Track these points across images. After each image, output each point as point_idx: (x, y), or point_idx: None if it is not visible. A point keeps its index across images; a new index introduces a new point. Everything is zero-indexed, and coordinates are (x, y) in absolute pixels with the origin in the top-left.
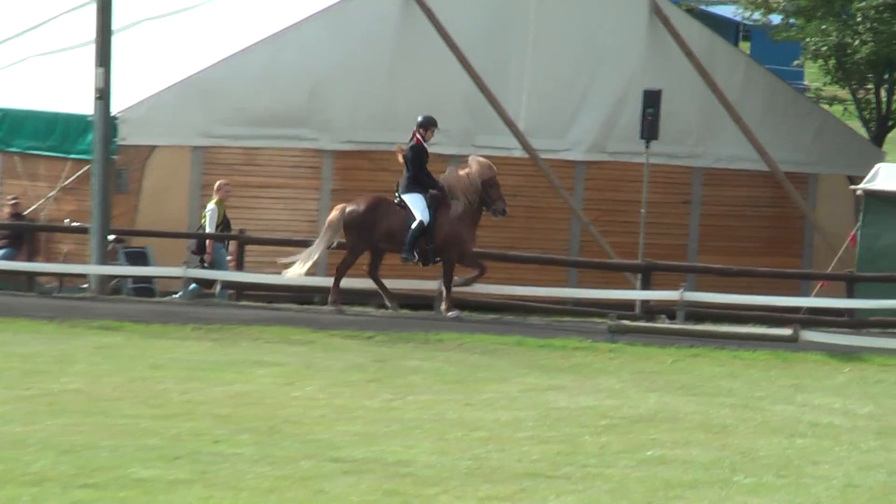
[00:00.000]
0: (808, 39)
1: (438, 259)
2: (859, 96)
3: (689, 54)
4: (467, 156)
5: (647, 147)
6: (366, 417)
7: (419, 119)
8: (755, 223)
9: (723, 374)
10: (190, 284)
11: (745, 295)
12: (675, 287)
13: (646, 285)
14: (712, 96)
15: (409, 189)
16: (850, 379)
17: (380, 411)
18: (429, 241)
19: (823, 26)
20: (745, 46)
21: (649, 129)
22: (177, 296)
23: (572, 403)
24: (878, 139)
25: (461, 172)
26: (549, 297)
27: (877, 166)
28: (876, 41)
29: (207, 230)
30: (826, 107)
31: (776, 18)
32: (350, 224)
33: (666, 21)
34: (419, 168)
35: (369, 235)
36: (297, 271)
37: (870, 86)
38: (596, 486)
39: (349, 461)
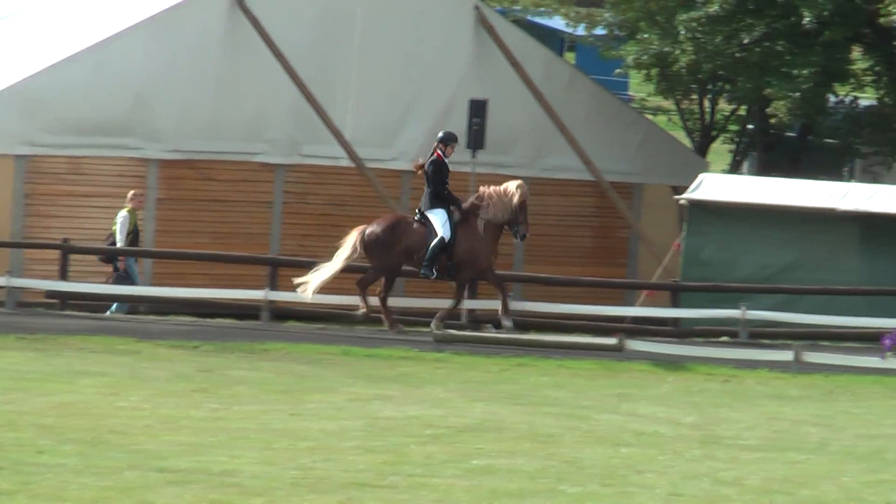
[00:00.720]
0: (628, 49)
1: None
2: (683, 107)
3: (514, 64)
4: (295, 165)
5: (474, 156)
6: (191, 427)
7: (440, 135)
8: (581, 233)
9: (548, 384)
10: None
11: (570, 304)
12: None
13: (472, 294)
14: (538, 106)
15: (432, 205)
16: (675, 388)
17: (205, 421)
18: (449, 258)
19: (646, 35)
20: (570, 57)
21: (475, 139)
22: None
23: (398, 413)
24: (701, 149)
25: (498, 189)
26: (376, 307)
27: (700, 176)
28: (697, 52)
29: (118, 237)
30: (651, 117)
31: (602, 31)
32: (370, 246)
33: (492, 31)
34: (440, 184)
35: (389, 254)
36: (314, 287)
37: (693, 96)
38: (422, 496)
39: (174, 471)
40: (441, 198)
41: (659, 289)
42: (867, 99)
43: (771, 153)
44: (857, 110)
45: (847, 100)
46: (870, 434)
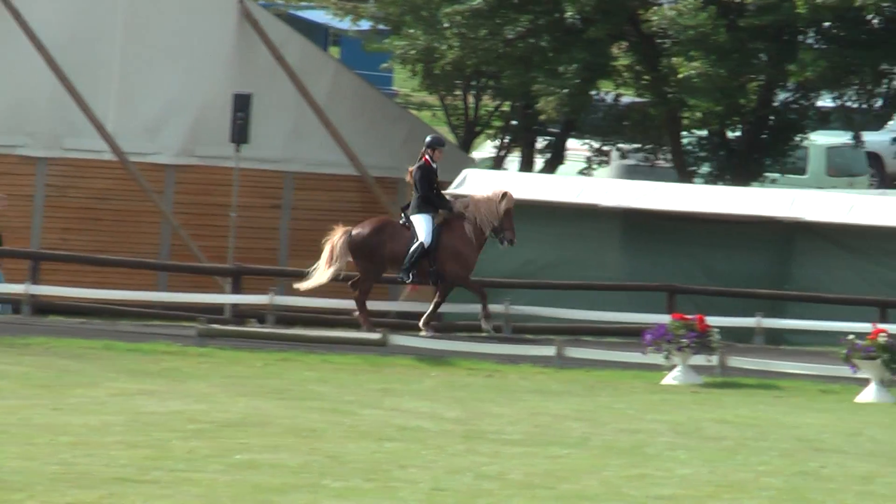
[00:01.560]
0: (395, 43)
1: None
2: (447, 102)
3: (278, 59)
4: (57, 158)
5: (238, 151)
6: None
7: (427, 139)
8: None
9: (313, 379)
10: None
11: (335, 299)
12: (265, 291)
13: (236, 289)
14: (302, 101)
15: (419, 209)
16: (439, 383)
17: None
18: (431, 263)
19: (411, 30)
20: (335, 51)
21: (239, 133)
22: None
23: (161, 408)
24: (465, 145)
25: (485, 196)
26: (139, 300)
27: (464, 172)
28: (463, 47)
29: None
30: (415, 112)
31: (367, 24)
32: (356, 249)
33: (255, 25)
34: (428, 188)
35: (376, 258)
36: (308, 285)
37: (458, 92)
38: (184, 491)
39: None
40: (429, 202)
41: (423, 283)
42: (629, 96)
43: (534, 149)
44: (619, 107)
45: (609, 96)
46: (631, 429)
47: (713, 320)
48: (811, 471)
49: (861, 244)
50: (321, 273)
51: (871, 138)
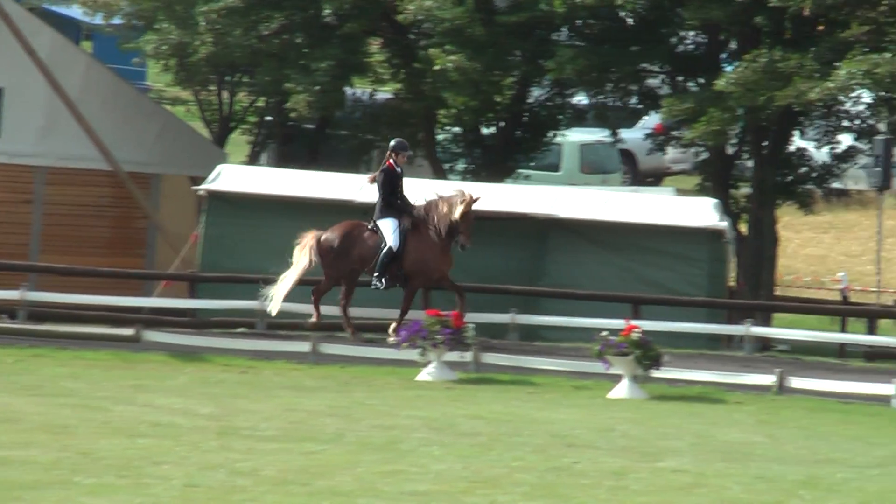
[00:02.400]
0: (147, 38)
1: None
2: (201, 98)
3: (29, 52)
4: None
5: None
6: None
7: (391, 143)
8: (99, 223)
9: (65, 375)
10: None
11: (88, 295)
12: (16, 286)
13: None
14: (54, 95)
15: (382, 214)
16: (192, 379)
17: None
18: (399, 267)
19: (164, 25)
20: (88, 46)
21: None
22: None
23: None
24: (220, 140)
25: (442, 200)
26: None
27: (219, 167)
28: (217, 43)
29: None
30: (169, 107)
31: (119, 20)
32: (324, 252)
33: (6, 18)
34: (390, 192)
35: (343, 263)
36: (278, 301)
37: (212, 87)
38: None
39: None
40: (391, 206)
41: (177, 279)
42: (386, 92)
43: (289, 145)
44: (374, 104)
45: (364, 93)
46: (385, 425)
47: (468, 317)
48: (564, 466)
49: (615, 241)
50: (288, 277)
51: (625, 136)
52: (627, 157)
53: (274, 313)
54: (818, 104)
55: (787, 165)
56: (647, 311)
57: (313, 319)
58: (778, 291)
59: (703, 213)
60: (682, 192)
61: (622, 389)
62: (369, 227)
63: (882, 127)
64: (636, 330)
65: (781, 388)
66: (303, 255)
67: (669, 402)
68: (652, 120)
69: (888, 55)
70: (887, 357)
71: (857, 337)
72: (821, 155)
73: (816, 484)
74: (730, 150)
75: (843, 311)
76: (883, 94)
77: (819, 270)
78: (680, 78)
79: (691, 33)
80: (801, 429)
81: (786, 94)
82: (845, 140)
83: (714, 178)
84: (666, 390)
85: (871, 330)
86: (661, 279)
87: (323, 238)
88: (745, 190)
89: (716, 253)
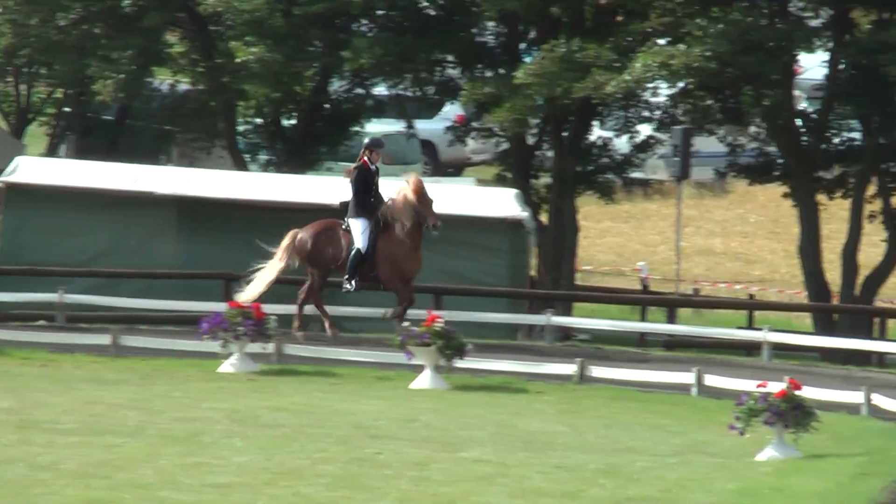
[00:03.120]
0: None
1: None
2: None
3: None
4: None
5: None
6: None
7: (365, 140)
8: None
9: None
10: None
11: None
12: None
13: None
14: None
15: (354, 213)
16: None
17: None
18: (372, 268)
19: None
20: None
21: None
22: None
23: None
24: (18, 132)
25: (399, 194)
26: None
27: (17, 159)
28: (15, 34)
29: None
30: None
31: None
32: (300, 251)
33: None
34: (362, 191)
35: (320, 261)
36: (249, 294)
37: (10, 79)
38: None
39: None
40: (364, 205)
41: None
42: (187, 83)
43: (88, 137)
44: (174, 95)
45: (164, 85)
46: (187, 417)
47: (270, 308)
48: (367, 457)
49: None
50: (266, 273)
51: (425, 126)
52: (428, 147)
53: (242, 299)
54: (616, 95)
55: (587, 155)
56: (449, 302)
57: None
58: (578, 281)
59: (503, 203)
60: (483, 182)
61: (424, 380)
62: (343, 226)
63: (681, 117)
64: (438, 320)
65: (582, 378)
66: (280, 255)
67: (471, 392)
68: (453, 111)
69: (683, 47)
70: (687, 346)
71: (657, 326)
72: (621, 145)
73: (617, 473)
74: (530, 141)
75: (643, 300)
76: (681, 84)
77: (619, 260)
78: (479, 69)
79: (490, 24)
80: (602, 418)
81: (583, 85)
82: (645, 130)
83: (515, 168)
84: (468, 380)
85: (671, 319)
86: (462, 270)
87: (299, 236)
88: (545, 180)
89: (517, 243)
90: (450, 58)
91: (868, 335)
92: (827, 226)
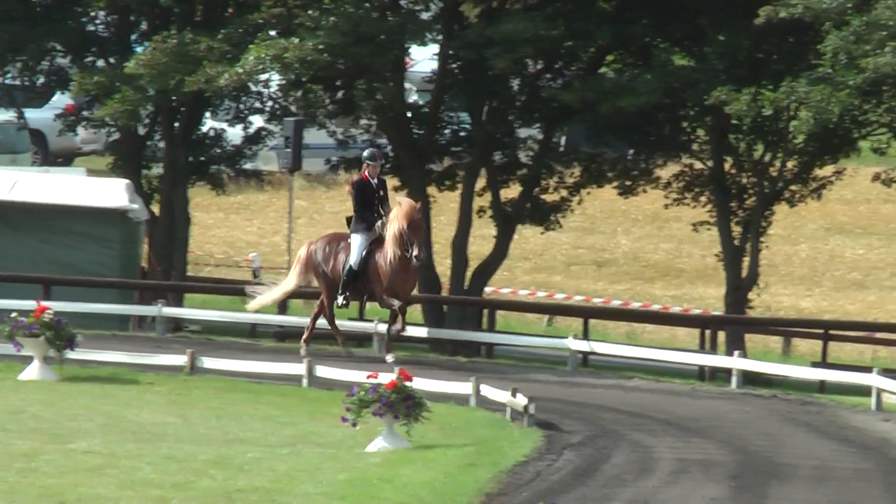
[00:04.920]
0: None
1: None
2: None
3: None
4: None
5: None
6: None
7: (363, 153)
8: None
9: None
10: None
11: None
12: None
13: None
14: None
15: (354, 228)
16: None
17: None
18: (365, 285)
19: None
20: None
21: None
22: None
23: None
24: None
25: (392, 217)
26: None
27: None
28: None
29: None
30: None
31: None
32: (310, 263)
33: None
34: (360, 206)
35: (323, 275)
36: (262, 301)
37: None
38: None
39: None
40: (363, 221)
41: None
42: None
43: None
44: None
45: None
46: None
47: None
48: None
49: (24, 221)
50: (282, 285)
51: (34, 116)
52: (38, 137)
53: (249, 308)
54: (228, 88)
55: (199, 146)
56: (58, 293)
57: (340, 338)
58: (190, 272)
59: (114, 193)
60: (93, 172)
61: (33, 371)
62: (348, 240)
63: (293, 109)
64: (48, 311)
65: (193, 369)
66: (297, 270)
67: (81, 383)
68: (63, 100)
69: (296, 40)
70: (298, 337)
71: (268, 317)
72: (233, 136)
73: (227, 464)
74: (142, 131)
75: None
76: (293, 76)
77: (231, 251)
78: (90, 58)
79: (101, 13)
80: (213, 409)
81: (195, 78)
82: (257, 121)
83: (126, 158)
84: (78, 372)
85: (282, 310)
86: (72, 260)
87: (311, 248)
88: (157, 170)
89: (127, 234)
90: (59, 47)
91: (477, 327)
92: (437, 218)
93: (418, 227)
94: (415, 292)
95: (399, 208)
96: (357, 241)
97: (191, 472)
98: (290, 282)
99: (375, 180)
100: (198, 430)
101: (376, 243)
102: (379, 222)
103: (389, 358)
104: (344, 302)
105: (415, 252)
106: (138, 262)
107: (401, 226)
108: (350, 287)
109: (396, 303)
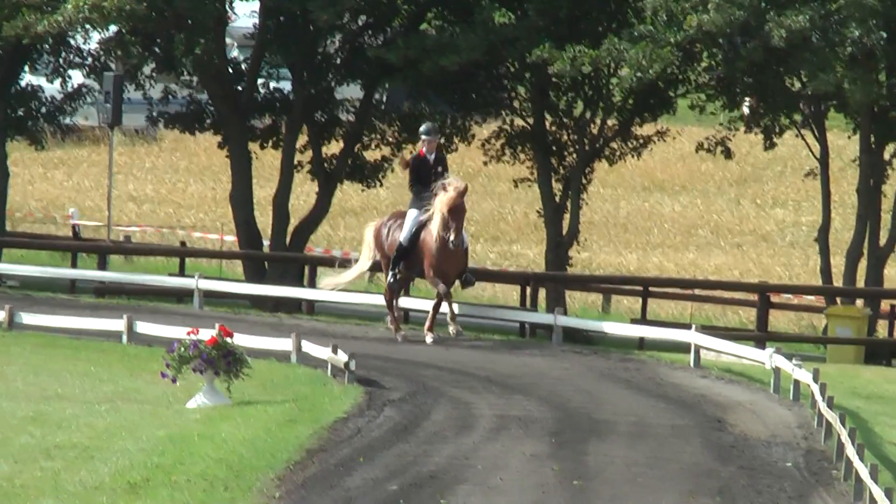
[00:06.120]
0: None
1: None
2: None
3: None
4: None
5: None
6: None
7: (421, 128)
8: None
9: None
10: None
11: None
12: None
13: None
14: None
15: (410, 204)
16: None
17: None
18: (415, 263)
19: None
20: None
21: None
22: None
23: None
24: None
25: (439, 198)
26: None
27: None
28: None
29: None
30: None
31: None
32: (378, 242)
33: None
34: (412, 181)
35: (383, 251)
36: (337, 281)
37: None
38: None
39: None
40: (418, 197)
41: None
42: None
43: None
44: None
45: None
46: None
47: None
48: None
49: None
50: (356, 267)
51: None
52: None
53: (323, 286)
54: (47, 38)
55: (17, 100)
56: None
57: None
58: (9, 227)
59: None
60: None
61: None
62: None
63: (113, 64)
64: None
65: (11, 325)
66: (365, 250)
67: None
68: None
69: None
70: (117, 293)
71: (88, 273)
72: (52, 90)
73: (45, 420)
74: None
75: (74, 246)
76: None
77: (51, 206)
78: None
79: None
80: (31, 365)
81: (13, 24)
82: (77, 77)
83: None
84: None
85: (102, 265)
86: None
87: (375, 225)
88: None
89: None
90: None
91: (298, 283)
92: (259, 174)
93: (459, 212)
94: (234, 247)
95: (444, 194)
96: (410, 217)
97: (9, 429)
98: (363, 263)
99: (433, 155)
100: (15, 386)
101: (428, 221)
102: (432, 198)
103: (429, 339)
104: (392, 278)
105: (451, 237)
106: None
107: (442, 211)
108: (400, 264)
109: (442, 287)
